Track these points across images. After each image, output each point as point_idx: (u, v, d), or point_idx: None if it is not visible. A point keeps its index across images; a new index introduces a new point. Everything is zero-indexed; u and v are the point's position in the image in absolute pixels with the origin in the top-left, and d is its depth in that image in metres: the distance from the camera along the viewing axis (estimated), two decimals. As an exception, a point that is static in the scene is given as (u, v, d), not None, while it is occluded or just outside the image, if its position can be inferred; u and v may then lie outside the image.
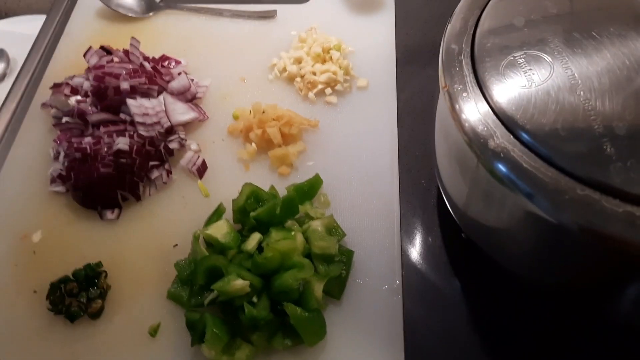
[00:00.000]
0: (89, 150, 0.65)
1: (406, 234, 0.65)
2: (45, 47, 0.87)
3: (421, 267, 0.62)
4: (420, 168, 0.70)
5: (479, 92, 0.48)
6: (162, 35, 0.85)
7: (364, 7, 0.86)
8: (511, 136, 0.45)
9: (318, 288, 0.57)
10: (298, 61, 0.78)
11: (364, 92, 0.77)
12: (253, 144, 0.70)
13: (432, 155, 0.61)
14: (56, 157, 0.70)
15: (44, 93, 0.79)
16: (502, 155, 0.44)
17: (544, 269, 0.52)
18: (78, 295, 0.59)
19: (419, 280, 0.61)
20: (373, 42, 0.82)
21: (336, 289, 0.59)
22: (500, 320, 0.58)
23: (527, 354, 0.56)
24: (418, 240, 0.64)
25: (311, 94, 0.75)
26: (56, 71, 0.82)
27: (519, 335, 0.57)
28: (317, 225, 0.60)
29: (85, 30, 0.87)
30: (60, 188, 0.68)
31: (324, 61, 0.77)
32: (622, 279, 0.48)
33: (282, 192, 0.66)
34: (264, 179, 0.68)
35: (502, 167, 0.44)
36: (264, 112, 0.71)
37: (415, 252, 0.63)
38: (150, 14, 0.88)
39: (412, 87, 0.79)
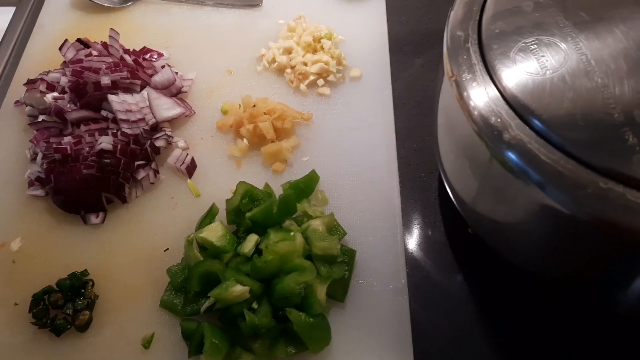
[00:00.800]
0: (69, 151, 0.61)
1: (408, 230, 0.62)
2: (16, 40, 0.82)
3: (425, 265, 0.60)
4: (419, 161, 0.68)
5: (489, 80, 0.45)
6: (141, 27, 0.80)
7: (353, -7, 0.83)
8: (527, 127, 0.42)
9: (321, 291, 0.54)
10: (288, 51, 0.74)
11: (357, 82, 0.73)
12: (244, 140, 0.66)
13: (435, 149, 0.59)
14: (33, 159, 0.66)
15: (16, 90, 0.74)
16: (517, 148, 0.41)
17: (556, 264, 0.50)
18: (63, 307, 0.56)
19: (423, 279, 0.59)
20: (364, 30, 0.79)
21: (339, 291, 0.56)
22: (509, 317, 0.56)
23: (537, 350, 0.54)
24: (421, 236, 0.62)
25: (303, 86, 0.72)
26: (29, 66, 0.77)
27: (528, 332, 0.55)
28: (317, 224, 0.57)
29: (59, 22, 0.82)
30: (39, 192, 0.64)
31: (314, 51, 0.74)
32: (636, 271, 0.46)
33: (276, 189, 0.63)
34: (257, 176, 0.65)
35: (518, 161, 0.41)
36: (254, 106, 0.67)
37: (418, 249, 0.61)
38: (129, 3, 0.83)
39: (407, 77, 0.76)
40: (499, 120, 0.43)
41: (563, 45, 0.45)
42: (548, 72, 0.44)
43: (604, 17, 0.46)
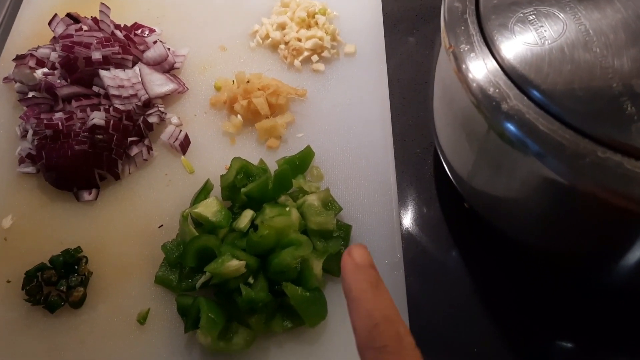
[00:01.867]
0: (60, 127, 0.60)
1: (404, 205, 0.62)
2: (4, 16, 0.81)
3: (421, 239, 0.60)
4: (414, 137, 0.67)
5: (487, 51, 0.45)
6: (132, 2, 0.79)
7: (347, -31, 0.82)
8: (525, 98, 0.42)
9: (317, 266, 0.54)
10: (281, 27, 0.73)
11: (351, 58, 0.73)
12: (238, 116, 0.65)
13: (430, 124, 0.58)
14: (24, 136, 0.64)
15: (5, 66, 0.72)
16: (516, 118, 0.41)
17: (553, 236, 0.50)
18: (57, 284, 0.55)
19: (419, 254, 0.59)
20: (358, 5, 0.78)
21: (335, 265, 0.56)
22: (506, 291, 0.56)
23: (532, 323, 0.55)
24: (417, 212, 0.62)
25: (297, 62, 0.71)
26: (18, 42, 0.75)
27: (524, 305, 0.55)
28: (312, 199, 0.56)
29: (48, -3, 0.80)
30: (30, 169, 0.63)
31: (309, 26, 0.73)
32: (634, 242, 0.46)
33: (271, 165, 0.62)
34: (251, 152, 0.64)
35: (516, 131, 0.41)
36: (248, 81, 0.67)
37: (414, 224, 0.61)
38: (118, -21, 0.82)
39: (401, 53, 0.75)
40: (497, 91, 0.43)
41: (562, 16, 0.44)
42: (547, 42, 0.43)
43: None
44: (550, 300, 0.55)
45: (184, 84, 0.69)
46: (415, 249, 0.59)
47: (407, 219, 0.61)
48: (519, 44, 0.44)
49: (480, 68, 0.44)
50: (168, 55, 0.69)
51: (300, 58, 0.71)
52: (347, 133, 0.66)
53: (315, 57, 0.71)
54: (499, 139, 0.43)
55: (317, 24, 0.73)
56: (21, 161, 0.63)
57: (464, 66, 0.45)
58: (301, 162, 0.62)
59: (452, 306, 0.55)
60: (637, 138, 0.38)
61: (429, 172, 0.65)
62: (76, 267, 0.56)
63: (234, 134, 0.66)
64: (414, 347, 0.26)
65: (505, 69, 0.43)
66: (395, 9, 0.80)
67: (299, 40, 0.71)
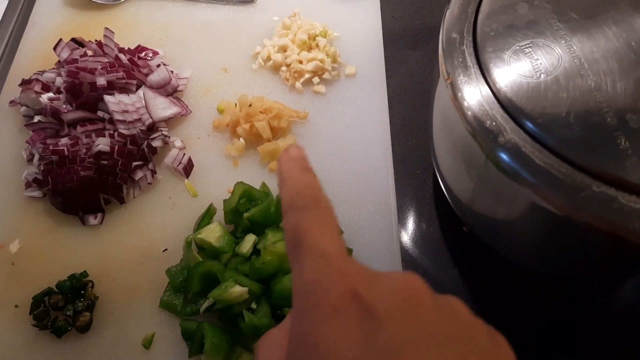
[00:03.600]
0: (66, 153, 0.61)
1: (403, 227, 0.63)
2: (9, 38, 0.82)
3: (421, 261, 0.61)
4: (414, 158, 0.68)
5: (484, 83, 0.46)
6: (135, 24, 0.80)
7: (347, -11, 0.83)
8: (521, 131, 0.43)
9: (319, 290, 0.54)
10: (283, 49, 0.74)
11: (352, 80, 0.74)
12: (241, 139, 0.67)
13: (430, 148, 0.59)
14: (30, 160, 0.66)
15: (11, 90, 0.73)
16: (513, 151, 0.42)
17: (551, 262, 0.51)
18: (64, 309, 0.56)
19: (419, 275, 0.59)
20: (358, 26, 0.79)
21: (337, 289, 0.56)
22: (505, 312, 0.57)
23: (532, 344, 0.55)
24: (416, 233, 0.63)
25: (298, 84, 0.72)
26: (23, 64, 0.76)
27: (523, 326, 0.56)
28: (314, 224, 0.57)
29: (52, 19, 0.81)
30: (36, 193, 0.64)
31: (310, 49, 0.74)
32: (630, 270, 0.47)
33: (273, 188, 0.63)
34: (254, 175, 0.65)
35: (513, 164, 0.42)
36: (250, 105, 0.68)
37: (414, 246, 0.62)
38: (122, 0, 0.83)
39: (401, 74, 0.76)
40: (494, 123, 0.44)
41: (557, 49, 0.45)
42: (542, 75, 0.44)
43: (598, 19, 0.46)
44: (550, 322, 0.56)
45: (187, 107, 0.70)
46: (415, 271, 0.59)
47: (407, 241, 0.62)
48: (516, 76, 0.45)
49: (477, 100, 0.45)
50: (171, 79, 0.70)
51: (302, 80, 0.72)
52: (348, 155, 0.67)
53: (316, 79, 0.72)
54: (496, 169, 0.44)
55: (318, 46, 0.74)
56: (28, 185, 0.64)
57: (460, 97, 0.46)
58: (303, 185, 0.63)
59: (452, 329, 0.56)
60: (631, 173, 0.39)
61: (429, 193, 0.66)
62: (82, 292, 0.57)
63: (236, 157, 0.67)
64: (330, 208, 0.29)
65: (502, 101, 0.44)
66: (395, 29, 0.81)
67: (300, 62, 0.72)
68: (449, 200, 0.58)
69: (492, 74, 0.46)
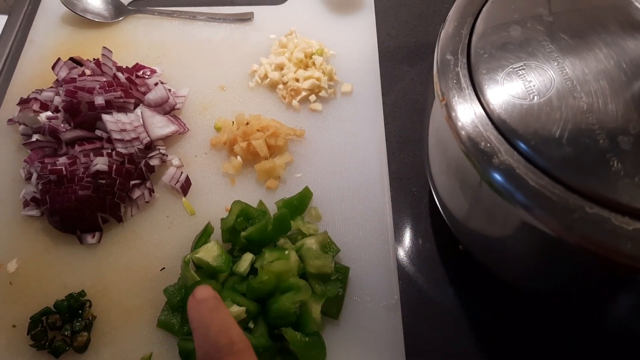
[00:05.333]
0: (64, 172, 0.61)
1: (400, 245, 0.64)
2: (7, 55, 0.82)
3: (418, 280, 0.61)
4: (410, 175, 0.69)
5: (478, 104, 0.46)
6: (133, 42, 0.81)
7: (343, 7, 0.84)
8: (515, 152, 0.43)
9: (316, 309, 0.55)
10: (280, 67, 0.75)
11: (348, 97, 0.74)
12: (238, 157, 0.67)
13: (426, 166, 0.60)
14: (28, 179, 0.66)
15: (9, 108, 0.74)
16: (507, 173, 0.43)
17: (545, 282, 0.51)
18: (62, 328, 0.56)
19: (416, 295, 0.60)
20: (354, 44, 0.80)
21: (333, 308, 0.57)
22: (502, 330, 0.57)
23: (527, 363, 0.56)
24: (413, 251, 0.63)
25: (295, 102, 0.73)
26: (21, 83, 0.77)
27: (521, 345, 0.56)
28: (311, 243, 0.58)
29: (50, 37, 0.82)
30: (34, 212, 0.64)
31: (306, 67, 0.75)
32: (624, 291, 0.47)
33: (270, 206, 0.63)
34: (251, 193, 0.66)
35: (507, 185, 0.43)
36: (247, 123, 0.68)
37: (410, 264, 0.62)
38: (120, 18, 0.84)
39: (397, 91, 0.77)
40: (488, 145, 0.44)
41: (549, 70, 0.46)
42: (535, 97, 0.45)
43: (589, 41, 0.47)
44: (547, 341, 0.56)
45: (184, 125, 0.71)
46: (412, 290, 0.60)
47: (404, 259, 0.62)
48: (509, 97, 0.45)
49: (471, 121, 0.46)
50: (169, 97, 0.71)
51: (298, 98, 0.73)
52: (345, 172, 0.68)
53: (313, 97, 0.73)
54: (491, 189, 0.45)
55: (314, 64, 0.74)
56: (26, 204, 0.65)
57: (455, 117, 0.47)
58: (300, 203, 0.63)
59: (450, 347, 0.57)
60: (623, 194, 0.40)
61: (425, 211, 0.66)
62: (80, 312, 0.57)
63: (233, 175, 0.67)
64: (247, 346, 0.30)
65: (496, 122, 0.45)
66: (391, 46, 0.82)
67: (297, 80, 0.73)
68: (445, 218, 0.58)
69: (486, 95, 0.46)
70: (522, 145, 0.43)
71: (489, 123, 0.45)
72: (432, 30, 0.84)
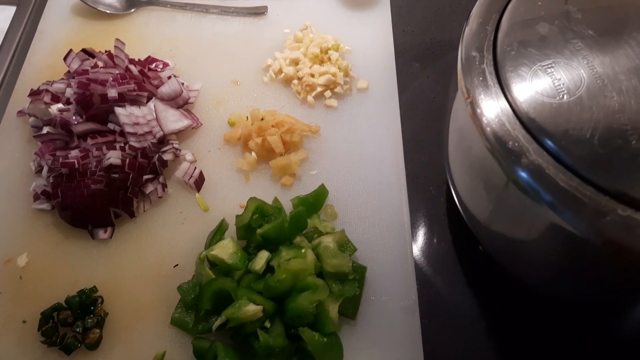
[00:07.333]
0: (76, 165, 0.60)
1: (417, 245, 0.62)
2: (17, 46, 0.81)
3: (436, 281, 0.60)
4: (427, 174, 0.68)
5: (505, 103, 0.45)
6: (145, 35, 0.80)
7: (358, 2, 0.83)
8: (545, 152, 0.42)
9: (333, 309, 0.54)
10: (295, 62, 0.74)
11: (364, 94, 0.73)
12: (253, 153, 0.66)
13: (445, 166, 0.59)
14: (38, 171, 0.65)
15: (19, 100, 0.73)
16: (536, 174, 0.41)
17: (569, 286, 0.50)
18: (73, 325, 0.55)
19: (434, 296, 0.59)
20: (369, 40, 0.79)
21: (351, 308, 0.56)
22: (519, 333, 0.56)
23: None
24: (430, 252, 0.62)
25: (310, 97, 0.71)
26: (31, 74, 0.76)
27: (538, 348, 0.55)
28: (328, 241, 0.57)
29: (61, 28, 0.81)
30: (45, 205, 0.63)
31: (322, 62, 0.73)
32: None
33: (285, 203, 0.62)
34: (266, 190, 0.65)
35: (537, 187, 0.41)
36: (262, 118, 0.67)
37: (427, 265, 0.61)
38: (132, 10, 0.82)
39: (413, 89, 0.76)
40: (516, 144, 0.43)
41: (579, 69, 0.45)
42: (565, 96, 0.44)
43: (618, 38, 0.46)
44: (565, 346, 0.55)
45: (197, 119, 0.70)
46: (430, 291, 0.59)
47: (421, 259, 0.61)
48: (538, 96, 0.44)
49: (498, 120, 0.44)
50: (182, 91, 0.70)
51: (314, 94, 0.71)
52: (360, 171, 0.66)
53: (328, 93, 0.72)
54: (518, 191, 0.44)
55: (330, 59, 0.73)
56: (36, 197, 0.64)
57: (481, 115, 0.45)
58: (315, 201, 0.62)
59: (467, 350, 0.56)
60: (657, 197, 0.39)
61: (442, 210, 0.65)
62: (92, 308, 0.56)
63: (248, 171, 0.66)
64: None
65: (524, 121, 0.44)
66: (406, 43, 0.80)
67: (312, 75, 0.72)
68: (465, 219, 0.57)
69: (513, 93, 0.45)
70: (551, 144, 0.42)
71: (517, 122, 0.44)
72: (448, 28, 0.82)
